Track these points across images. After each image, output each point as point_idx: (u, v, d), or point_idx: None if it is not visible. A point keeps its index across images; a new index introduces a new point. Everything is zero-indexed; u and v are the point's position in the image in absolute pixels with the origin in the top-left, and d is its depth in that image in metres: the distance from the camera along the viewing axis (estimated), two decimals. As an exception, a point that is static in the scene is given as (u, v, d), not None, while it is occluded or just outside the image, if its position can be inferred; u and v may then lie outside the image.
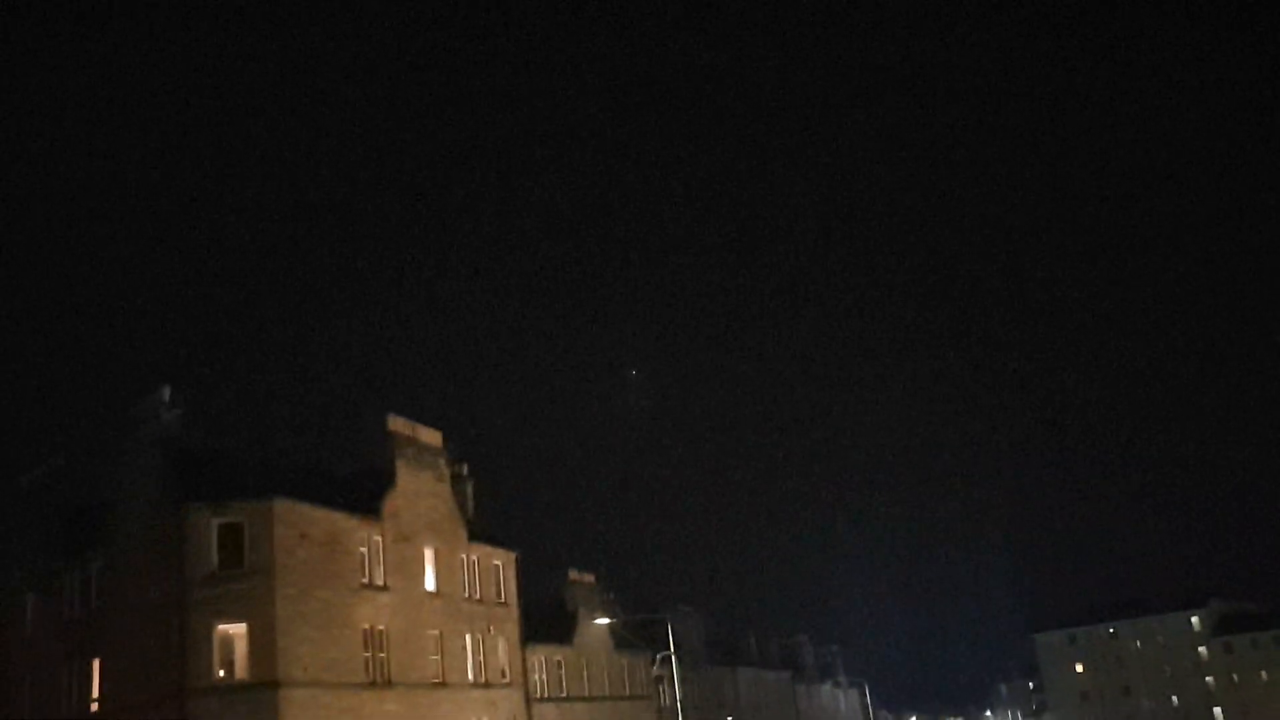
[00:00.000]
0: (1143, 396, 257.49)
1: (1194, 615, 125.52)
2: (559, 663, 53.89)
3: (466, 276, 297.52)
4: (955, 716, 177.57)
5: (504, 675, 46.95)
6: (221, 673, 33.74)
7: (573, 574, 59.91)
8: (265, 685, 33.01)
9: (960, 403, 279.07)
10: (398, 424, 43.39)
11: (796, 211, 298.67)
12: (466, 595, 45.26)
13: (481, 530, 48.66)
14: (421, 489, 43.59)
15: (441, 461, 45.43)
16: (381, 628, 38.61)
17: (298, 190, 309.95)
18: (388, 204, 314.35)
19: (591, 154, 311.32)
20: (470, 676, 44.04)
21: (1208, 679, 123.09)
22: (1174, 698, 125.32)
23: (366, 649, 37.59)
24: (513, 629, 48.42)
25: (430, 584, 42.83)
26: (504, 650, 47.34)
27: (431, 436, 45.19)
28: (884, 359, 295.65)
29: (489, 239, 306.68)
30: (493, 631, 46.45)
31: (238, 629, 34.10)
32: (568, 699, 53.63)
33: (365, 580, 38.69)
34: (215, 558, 34.44)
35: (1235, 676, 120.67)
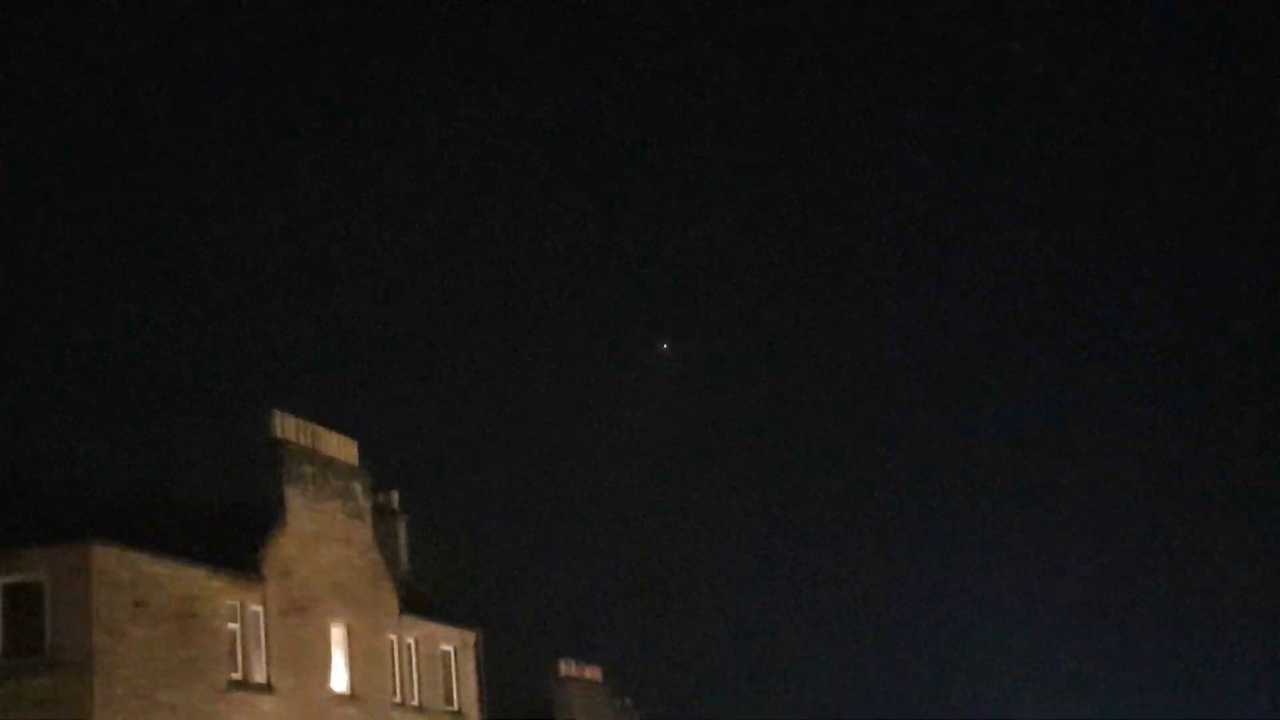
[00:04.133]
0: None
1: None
2: (548, 800, 43.82)
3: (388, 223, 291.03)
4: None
5: (460, 824, 37.34)
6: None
7: (566, 666, 48.72)
8: None
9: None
10: (289, 427, 32.92)
11: (843, 184, 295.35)
12: (398, 699, 35.18)
13: (422, 597, 38.63)
14: (326, 530, 33.45)
15: (358, 487, 35.19)
16: (265, 752, 30.43)
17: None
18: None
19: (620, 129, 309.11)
20: (405, 830, 34.61)
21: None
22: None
23: (244, 787, 29.35)
24: (473, 751, 38.88)
25: (340, 681, 32.90)
26: (459, 785, 37.89)
27: (342, 448, 34.81)
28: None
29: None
30: (441, 757, 37.03)
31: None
32: None
33: (238, 675, 29.57)
34: (-2, 638, 28.46)
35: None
